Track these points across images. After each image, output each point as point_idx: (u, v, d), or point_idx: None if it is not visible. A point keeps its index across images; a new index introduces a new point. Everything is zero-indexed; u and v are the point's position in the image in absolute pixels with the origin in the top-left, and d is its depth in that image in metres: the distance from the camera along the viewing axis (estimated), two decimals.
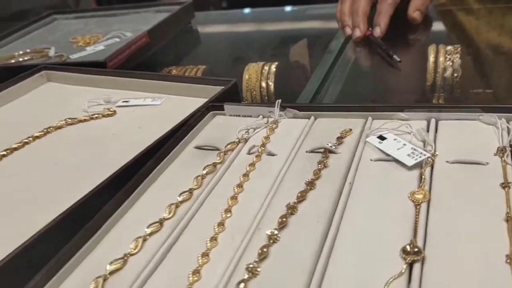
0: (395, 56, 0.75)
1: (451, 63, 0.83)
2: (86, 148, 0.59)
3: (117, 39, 1.00)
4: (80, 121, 0.67)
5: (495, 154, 0.43)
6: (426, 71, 0.78)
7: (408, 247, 0.34)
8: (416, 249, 0.34)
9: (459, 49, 0.81)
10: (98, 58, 0.87)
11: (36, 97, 0.79)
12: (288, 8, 1.23)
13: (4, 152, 0.60)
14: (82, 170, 0.54)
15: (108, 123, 0.66)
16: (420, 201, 0.39)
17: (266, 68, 0.83)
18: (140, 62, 0.94)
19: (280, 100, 0.56)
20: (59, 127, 0.66)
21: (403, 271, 0.33)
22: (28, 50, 0.99)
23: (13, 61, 0.96)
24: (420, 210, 0.38)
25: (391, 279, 0.32)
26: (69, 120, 0.67)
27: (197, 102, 0.63)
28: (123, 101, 0.70)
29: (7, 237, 0.44)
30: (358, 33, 0.87)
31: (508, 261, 0.32)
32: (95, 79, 0.78)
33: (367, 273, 0.34)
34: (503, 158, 0.42)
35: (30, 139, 0.63)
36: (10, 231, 0.45)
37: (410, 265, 0.33)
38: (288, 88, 0.86)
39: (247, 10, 1.26)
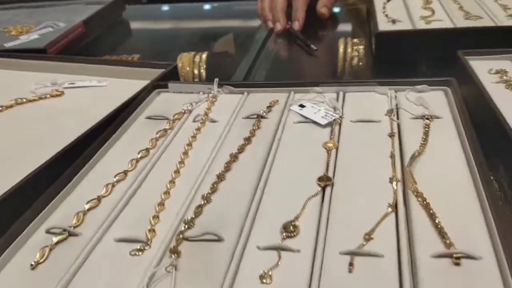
0: (312, 46, 0.88)
1: (357, 53, 0.98)
2: (40, 124, 0.65)
3: (51, 29, 1.03)
4: (29, 100, 0.72)
5: (385, 115, 0.56)
6: (337, 59, 0.92)
7: (321, 177, 0.46)
8: (327, 177, 0.46)
9: (363, 41, 0.96)
10: (36, 45, 0.91)
11: None
12: (207, 6, 1.33)
13: None
14: (40, 144, 0.59)
15: (58, 102, 0.72)
16: (331, 148, 0.51)
17: (198, 57, 0.93)
18: (76, 52, 0.98)
19: (217, 79, 0.66)
20: (9, 106, 0.70)
21: (318, 191, 0.45)
22: None
23: None
24: (331, 154, 0.50)
25: (309, 198, 0.44)
26: (19, 100, 0.71)
27: (141, 84, 0.71)
28: (69, 83, 0.76)
29: None
30: (279, 26, 0.99)
31: (390, 182, 0.45)
32: (37, 64, 0.83)
33: (292, 197, 0.45)
34: (390, 117, 0.56)
35: None
36: None
37: (323, 190, 0.45)
38: (219, 75, 0.97)
39: (166, 7, 1.34)
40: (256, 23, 1.09)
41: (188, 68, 0.92)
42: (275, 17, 1.01)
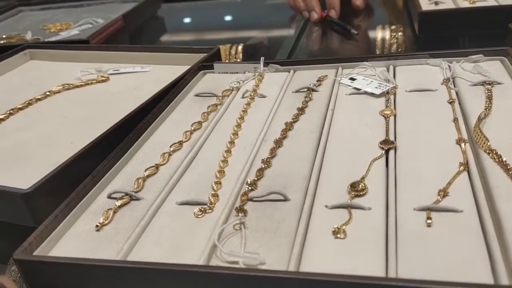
0: (353, 30, 0.87)
1: (395, 40, 0.96)
2: (90, 105, 0.65)
3: (90, 25, 1.05)
4: (76, 86, 0.73)
5: (442, 84, 0.55)
6: (375, 47, 0.91)
7: (384, 141, 0.45)
8: (390, 141, 0.45)
9: (401, 28, 0.94)
10: (79, 37, 0.93)
11: (22, 73, 0.83)
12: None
13: (11, 111, 0.65)
14: (93, 120, 0.60)
15: (104, 87, 0.72)
16: (389, 115, 0.50)
17: (234, 48, 0.93)
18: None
19: (263, 57, 0.66)
20: (57, 92, 0.71)
21: (382, 154, 0.43)
22: (3, 36, 1.02)
23: None
24: (389, 120, 0.49)
25: (374, 160, 0.43)
26: (66, 85, 0.72)
27: (184, 69, 0.71)
28: (114, 70, 0.77)
29: (41, 167, 0.49)
30: (315, 15, 0.98)
31: (457, 143, 0.43)
32: (81, 54, 0.84)
33: (354, 160, 0.43)
34: (448, 85, 0.54)
35: (33, 100, 0.68)
36: (42, 163, 0.50)
37: (387, 153, 0.44)
38: None
39: (200, 3, 1.36)
40: (289, 15, 1.09)
41: (225, 60, 0.92)
42: (310, 6, 1.00)
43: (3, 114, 0.64)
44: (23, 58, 0.87)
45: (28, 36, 0.99)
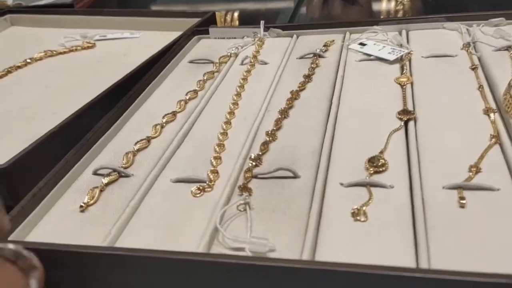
0: None
1: (401, 6, 0.91)
2: (74, 73, 0.60)
3: None
4: (60, 53, 0.67)
5: (461, 49, 0.50)
6: (380, 15, 0.85)
7: (402, 111, 0.40)
8: (408, 111, 0.40)
9: None
10: (62, 0, 0.86)
11: (2, 40, 0.76)
12: None
13: None
14: (77, 89, 0.55)
15: (90, 54, 0.67)
16: (405, 83, 0.45)
17: (229, 15, 0.87)
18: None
19: (263, 21, 0.60)
20: (39, 59, 0.65)
21: (402, 124, 0.39)
22: None
23: None
24: (406, 88, 0.44)
25: (393, 132, 0.38)
26: (49, 52, 0.66)
27: (177, 35, 0.65)
28: (101, 36, 0.71)
29: (21, 140, 0.44)
30: None
31: (485, 113, 0.39)
32: (64, 19, 0.77)
33: (370, 132, 0.39)
34: (468, 50, 0.49)
35: (13, 68, 0.62)
36: (22, 136, 0.45)
37: (406, 124, 0.39)
38: None
39: None
40: None
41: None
42: None
43: None
44: (3, 24, 0.80)
45: (10, 1, 0.92)
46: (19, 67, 0.63)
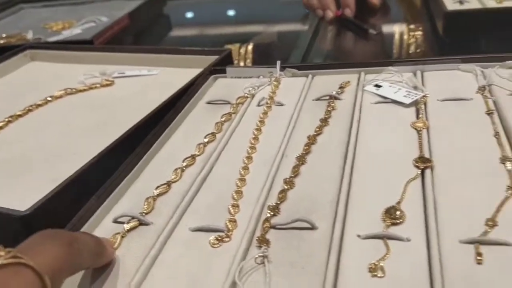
0: (371, 30, 0.82)
1: (414, 40, 0.92)
2: (94, 111, 0.61)
3: (93, 24, 1.00)
4: (79, 90, 0.69)
5: (477, 92, 0.50)
6: (392, 47, 0.86)
7: (419, 159, 0.41)
8: (426, 159, 0.40)
9: (420, 27, 0.90)
10: (82, 37, 0.89)
11: (23, 76, 0.79)
12: None
13: (10, 119, 0.61)
14: (97, 129, 0.56)
15: (109, 91, 0.68)
16: (421, 128, 0.45)
17: (243, 48, 0.89)
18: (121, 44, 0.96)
19: (280, 61, 0.61)
20: (59, 97, 0.67)
21: (418, 174, 0.39)
22: (3, 35, 0.98)
23: None
24: (422, 134, 0.44)
25: (409, 181, 0.38)
26: (69, 90, 0.68)
27: (194, 72, 0.66)
28: (119, 73, 0.73)
29: (41, 183, 0.45)
30: (330, 14, 0.94)
31: (502, 162, 0.39)
32: (84, 56, 0.80)
33: (386, 180, 0.39)
34: (484, 94, 0.49)
35: (33, 106, 0.64)
36: (42, 178, 0.47)
37: (422, 172, 0.39)
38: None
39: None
40: (301, 13, 1.04)
41: (234, 60, 0.88)
42: (324, 4, 0.95)
43: (1, 122, 0.60)
44: (23, 60, 0.83)
45: (29, 35, 0.95)
46: (39, 105, 0.65)
